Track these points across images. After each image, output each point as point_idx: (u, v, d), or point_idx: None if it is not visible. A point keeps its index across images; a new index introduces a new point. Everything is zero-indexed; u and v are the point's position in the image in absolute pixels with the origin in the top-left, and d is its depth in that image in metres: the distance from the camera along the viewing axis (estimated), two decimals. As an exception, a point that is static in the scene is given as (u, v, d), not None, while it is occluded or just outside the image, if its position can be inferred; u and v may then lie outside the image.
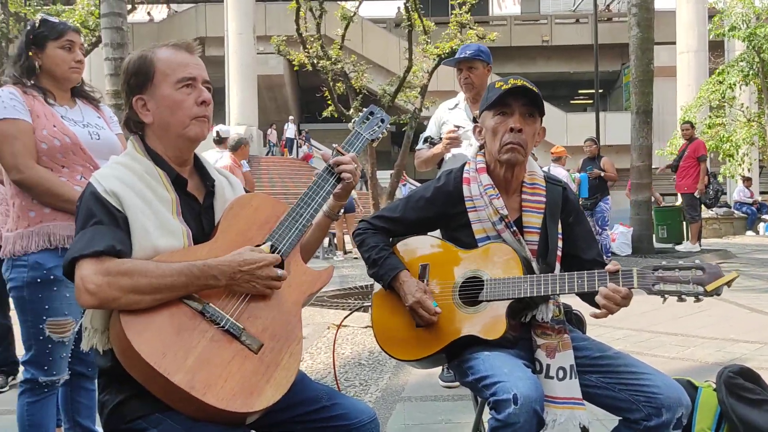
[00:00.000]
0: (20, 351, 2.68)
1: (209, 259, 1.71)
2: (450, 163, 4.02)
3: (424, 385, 4.03)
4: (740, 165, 16.51)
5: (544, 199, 2.27)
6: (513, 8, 38.09)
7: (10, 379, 4.28)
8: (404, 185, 24.13)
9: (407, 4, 13.55)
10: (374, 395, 3.91)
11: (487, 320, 2.14)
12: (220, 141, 7.44)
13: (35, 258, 2.48)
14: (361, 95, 14.07)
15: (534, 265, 2.19)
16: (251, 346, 1.69)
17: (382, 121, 2.24)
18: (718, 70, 16.82)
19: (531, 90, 2.18)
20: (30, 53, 2.61)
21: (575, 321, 2.35)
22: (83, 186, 2.52)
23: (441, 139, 4.04)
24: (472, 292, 2.19)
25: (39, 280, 2.47)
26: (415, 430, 3.36)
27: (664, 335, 5.19)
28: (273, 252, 1.84)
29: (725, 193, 17.45)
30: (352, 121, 3.08)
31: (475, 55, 3.95)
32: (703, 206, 11.71)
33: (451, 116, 4.12)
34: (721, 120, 16.67)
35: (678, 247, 11.12)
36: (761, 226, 16.02)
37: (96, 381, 2.82)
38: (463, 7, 14.17)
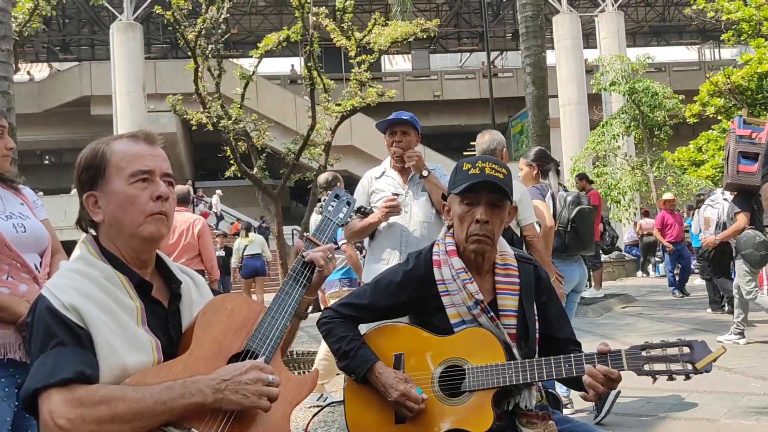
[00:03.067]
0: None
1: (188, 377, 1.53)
2: (385, 233, 3.93)
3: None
4: (626, 210, 17.50)
5: (518, 280, 2.21)
6: (404, 65, 39.32)
7: None
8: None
9: (308, 64, 13.62)
10: (320, 481, 3.69)
11: (473, 411, 2.04)
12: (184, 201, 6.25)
13: (-47, 371, 2.16)
14: (264, 154, 13.90)
15: (514, 350, 2.12)
16: (241, 474, 1.51)
17: (348, 204, 2.15)
18: (601, 122, 17.94)
19: (496, 183, 2.12)
20: None
21: (552, 401, 2.30)
22: (10, 288, 2.26)
23: (372, 209, 3.96)
24: (452, 381, 2.10)
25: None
26: None
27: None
28: (253, 359, 1.67)
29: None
30: (318, 205, 2.98)
31: (411, 120, 3.92)
32: (600, 252, 12.26)
33: (380, 184, 4.04)
34: (606, 169, 17.67)
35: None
36: (650, 267, 16.98)
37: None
38: (362, 65, 14.41)
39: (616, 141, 17.12)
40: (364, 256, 5.16)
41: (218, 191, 26.16)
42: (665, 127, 16.97)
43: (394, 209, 3.76)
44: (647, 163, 16.77)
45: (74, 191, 1.71)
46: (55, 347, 1.46)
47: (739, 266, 6.69)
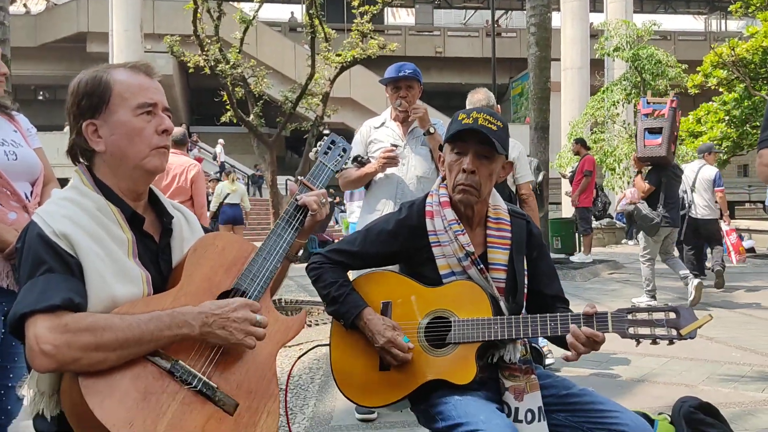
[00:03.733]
0: None
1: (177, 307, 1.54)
2: (381, 184, 3.93)
3: (353, 412, 3.91)
4: (620, 178, 17.49)
5: (509, 235, 2.22)
6: (407, 18, 38.71)
7: None
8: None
9: (310, 12, 13.36)
10: (302, 425, 3.76)
11: (456, 363, 2.06)
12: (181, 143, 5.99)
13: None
14: (261, 101, 13.74)
15: (502, 304, 2.14)
16: (226, 406, 1.53)
17: (344, 150, 2.13)
18: (602, 88, 17.78)
19: (484, 133, 2.08)
20: None
21: (535, 355, 2.33)
22: (-2, 215, 2.25)
23: (370, 158, 3.93)
24: (438, 332, 2.12)
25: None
26: (353, 463, 3.24)
27: (576, 350, 5.34)
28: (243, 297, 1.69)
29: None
30: (314, 150, 2.93)
31: (415, 75, 3.88)
32: (592, 218, 12.32)
33: (379, 135, 4.01)
34: (603, 136, 17.60)
35: (572, 258, 11.60)
36: (641, 236, 17.04)
37: (7, 429, 2.54)
38: (365, 16, 14.15)
39: (616, 108, 17.00)
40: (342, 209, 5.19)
41: (221, 140, 25.99)
42: (666, 96, 16.86)
43: (391, 160, 3.74)
44: (645, 132, 16.71)
45: (68, 128, 1.68)
46: (44, 273, 1.46)
47: (640, 235, 7.60)
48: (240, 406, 1.55)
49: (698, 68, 16.37)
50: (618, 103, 16.69)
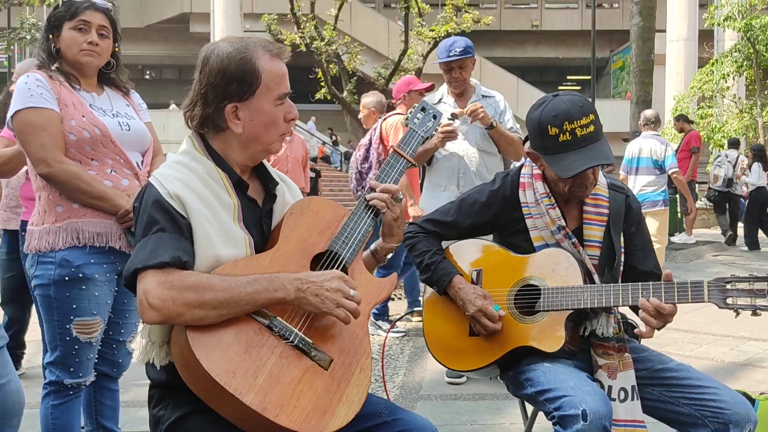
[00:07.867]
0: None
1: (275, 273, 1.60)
2: (444, 160, 3.94)
3: (441, 383, 3.96)
4: (729, 155, 16.56)
5: (606, 211, 2.17)
6: (503, -8, 37.86)
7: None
8: None
9: (404, -14, 13.34)
10: (392, 393, 3.84)
11: (545, 331, 2.06)
12: None
13: (63, 255, 2.34)
14: (355, 77, 13.90)
15: (596, 277, 2.10)
16: (321, 361, 1.59)
17: (435, 117, 2.14)
18: (711, 60, 16.81)
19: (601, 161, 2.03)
20: (50, 36, 2.46)
21: (630, 331, 2.27)
22: (113, 181, 2.41)
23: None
24: (528, 300, 2.11)
25: (67, 278, 2.35)
26: None
27: (674, 331, 5.17)
28: (336, 259, 1.75)
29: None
30: (404, 118, 3.00)
31: (465, 53, 3.83)
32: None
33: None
34: (711, 111, 16.67)
35: (673, 239, 11.14)
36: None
37: (118, 381, 2.75)
38: (459, -10, 14.00)
39: (726, 81, 16.03)
40: None
41: (313, 117, 26.49)
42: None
43: (450, 134, 3.71)
44: (757, 107, 15.68)
45: (173, 107, 1.75)
46: (156, 232, 1.56)
47: None
48: (334, 362, 1.61)
49: (817, 39, 15.13)
50: (728, 76, 15.73)
